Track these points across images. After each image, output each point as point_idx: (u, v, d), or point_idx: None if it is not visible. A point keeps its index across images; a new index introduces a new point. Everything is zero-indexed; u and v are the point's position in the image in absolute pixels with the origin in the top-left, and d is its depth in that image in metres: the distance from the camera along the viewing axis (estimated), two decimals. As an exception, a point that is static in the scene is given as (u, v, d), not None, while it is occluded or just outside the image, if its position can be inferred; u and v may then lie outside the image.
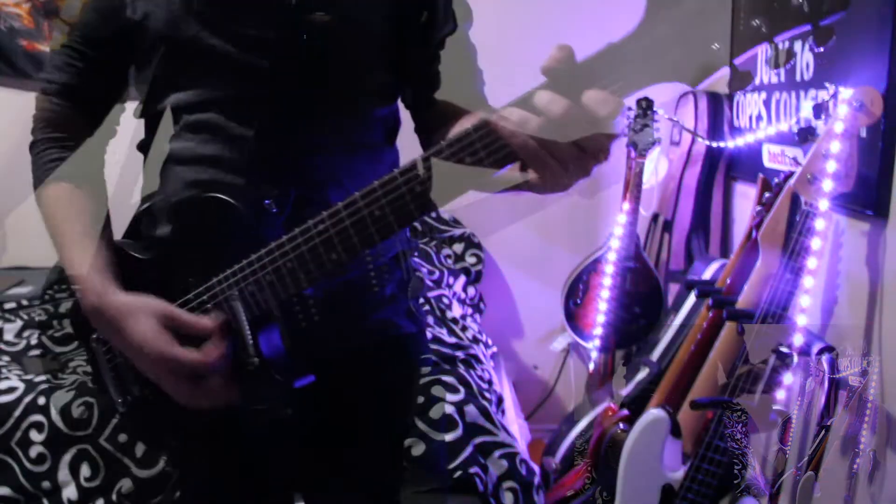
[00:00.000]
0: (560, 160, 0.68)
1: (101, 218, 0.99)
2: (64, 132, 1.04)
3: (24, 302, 2.38)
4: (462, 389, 1.87)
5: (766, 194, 1.80)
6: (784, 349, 1.56)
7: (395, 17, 1.00)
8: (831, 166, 1.55)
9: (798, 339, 1.59)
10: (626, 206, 2.52)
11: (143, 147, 1.06)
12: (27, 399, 1.71)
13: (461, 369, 1.99)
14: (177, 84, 0.96)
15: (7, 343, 2.07)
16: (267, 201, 0.91)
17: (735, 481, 1.62)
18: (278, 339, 0.92)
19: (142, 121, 1.06)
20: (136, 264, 0.96)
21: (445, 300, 2.54)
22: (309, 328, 0.96)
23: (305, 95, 0.95)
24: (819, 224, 1.57)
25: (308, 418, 0.99)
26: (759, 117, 2.25)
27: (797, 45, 1.97)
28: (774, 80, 2.11)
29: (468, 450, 1.74)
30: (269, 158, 0.94)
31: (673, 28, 0.63)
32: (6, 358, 1.98)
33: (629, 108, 2.57)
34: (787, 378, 1.65)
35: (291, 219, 0.88)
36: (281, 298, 0.87)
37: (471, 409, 1.82)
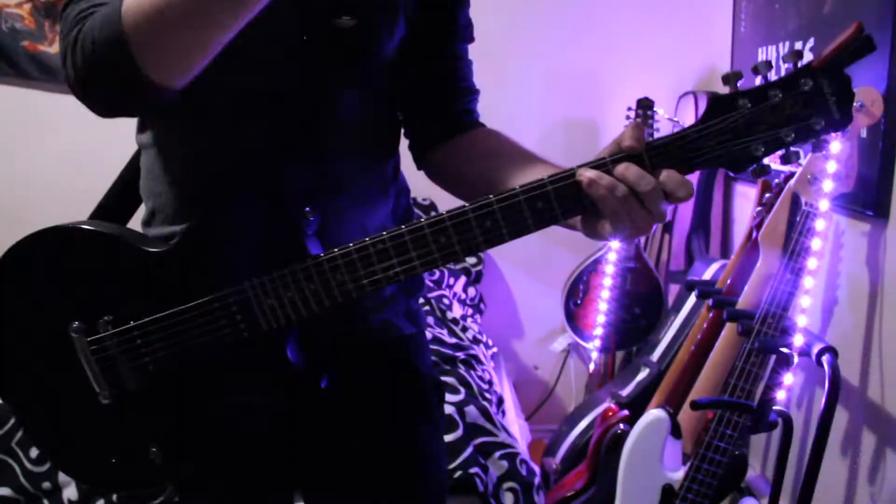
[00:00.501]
0: (633, 221, 0.81)
1: None
2: None
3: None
4: (462, 390, 1.87)
5: (767, 195, 1.80)
6: (784, 349, 1.56)
7: (419, 17, 1.00)
8: (831, 167, 1.55)
9: (798, 340, 1.59)
10: (627, 206, 2.52)
11: (147, 138, 1.04)
12: (28, 399, 1.72)
13: (461, 370, 2.00)
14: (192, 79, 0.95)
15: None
16: (307, 208, 0.91)
17: (735, 481, 1.62)
18: (296, 342, 0.92)
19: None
20: (145, 256, 0.95)
21: (446, 301, 2.54)
22: (309, 329, 0.96)
23: (325, 98, 0.95)
24: (819, 224, 1.58)
25: (308, 419, 0.99)
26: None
27: (797, 44, 1.97)
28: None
29: (468, 450, 1.74)
30: (283, 160, 0.93)
31: (728, 127, 0.79)
32: (6, 358, 1.98)
33: (629, 109, 2.57)
34: (787, 378, 1.65)
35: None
36: (325, 307, 0.88)
37: (471, 410, 1.82)
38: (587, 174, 0.80)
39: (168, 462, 0.96)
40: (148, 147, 1.02)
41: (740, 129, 0.80)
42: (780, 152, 0.81)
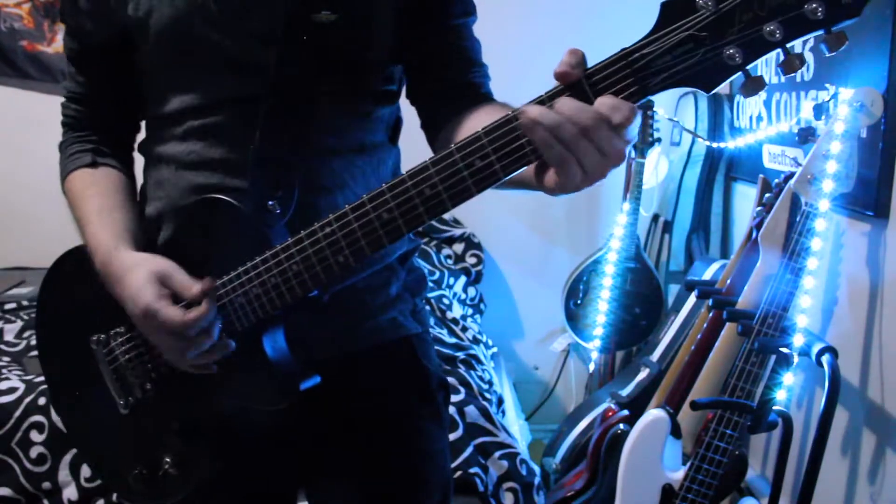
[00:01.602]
0: (582, 164, 0.70)
1: (120, 193, 1.01)
2: (84, 131, 1.06)
3: (25, 303, 2.38)
4: (462, 390, 1.87)
5: (767, 195, 1.80)
6: (784, 349, 1.56)
7: (403, 8, 0.98)
8: (831, 167, 1.55)
9: (798, 340, 1.59)
10: (626, 206, 2.52)
11: (145, 149, 1.05)
12: (27, 400, 1.71)
13: (461, 370, 2.00)
14: (180, 85, 0.95)
15: (7, 344, 2.07)
16: (270, 202, 0.90)
17: (735, 481, 1.62)
18: (283, 342, 0.92)
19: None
20: None
21: (446, 300, 2.54)
22: (315, 329, 0.95)
23: (311, 95, 0.94)
24: (819, 225, 1.57)
25: (314, 419, 0.99)
26: (759, 118, 2.26)
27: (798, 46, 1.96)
28: (775, 80, 2.11)
29: (468, 450, 1.74)
30: (274, 160, 0.93)
31: (687, 35, 0.64)
32: (6, 359, 1.98)
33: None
34: (787, 378, 1.65)
35: (298, 222, 0.88)
36: (287, 301, 0.86)
37: (471, 410, 1.82)
38: (528, 114, 0.70)
39: (182, 471, 0.97)
40: (149, 157, 1.04)
41: (704, 34, 0.64)
42: (775, 58, 0.64)
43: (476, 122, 0.91)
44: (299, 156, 0.94)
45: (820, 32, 0.62)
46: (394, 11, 0.97)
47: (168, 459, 0.97)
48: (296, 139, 0.94)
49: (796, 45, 0.64)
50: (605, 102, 0.67)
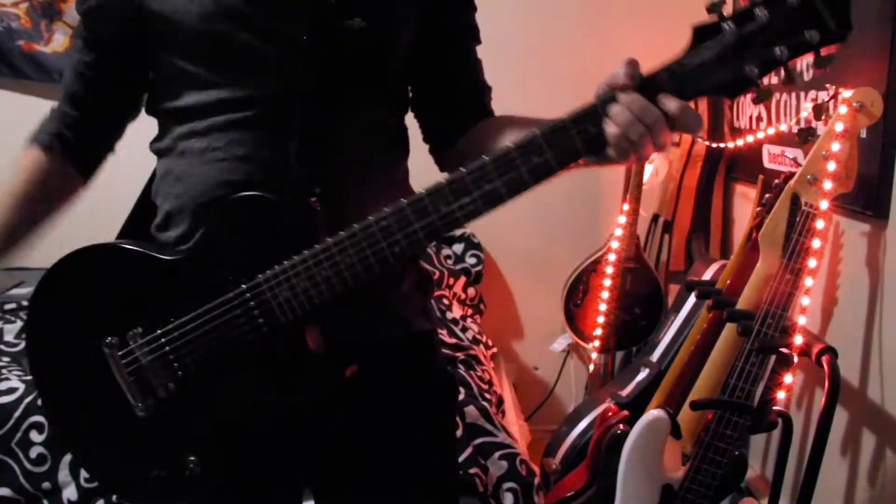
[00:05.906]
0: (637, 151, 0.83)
1: (35, 187, 1.07)
2: (67, 121, 1.07)
3: (25, 303, 2.38)
4: (462, 390, 1.87)
5: (767, 195, 1.80)
6: (784, 349, 1.56)
7: (428, 19, 1.02)
8: (831, 167, 1.55)
9: (798, 340, 1.59)
10: (626, 206, 2.52)
11: (159, 145, 1.05)
12: (27, 400, 1.71)
13: (461, 370, 2.00)
14: (205, 82, 0.96)
15: (7, 344, 2.07)
16: (313, 199, 0.92)
17: (735, 481, 1.62)
18: (319, 333, 0.93)
19: (150, 120, 1.06)
20: (164, 264, 0.96)
21: (445, 301, 2.54)
22: (332, 323, 0.96)
23: (339, 97, 0.96)
24: (819, 225, 1.57)
25: (321, 415, 0.99)
26: (759, 118, 2.26)
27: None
28: (775, 80, 2.11)
29: (468, 450, 1.74)
30: (298, 158, 0.94)
31: (715, 53, 0.79)
32: (6, 359, 1.98)
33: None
34: (787, 378, 1.65)
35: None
36: (336, 293, 0.88)
37: (471, 410, 1.82)
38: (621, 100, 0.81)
39: (206, 471, 0.97)
40: (165, 153, 1.03)
41: (728, 53, 0.78)
42: (781, 73, 0.79)
43: (495, 134, 0.99)
44: (324, 154, 0.96)
45: (812, 53, 0.78)
46: (415, 24, 1.02)
47: (193, 458, 0.97)
48: (326, 138, 0.96)
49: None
50: (667, 103, 0.80)
